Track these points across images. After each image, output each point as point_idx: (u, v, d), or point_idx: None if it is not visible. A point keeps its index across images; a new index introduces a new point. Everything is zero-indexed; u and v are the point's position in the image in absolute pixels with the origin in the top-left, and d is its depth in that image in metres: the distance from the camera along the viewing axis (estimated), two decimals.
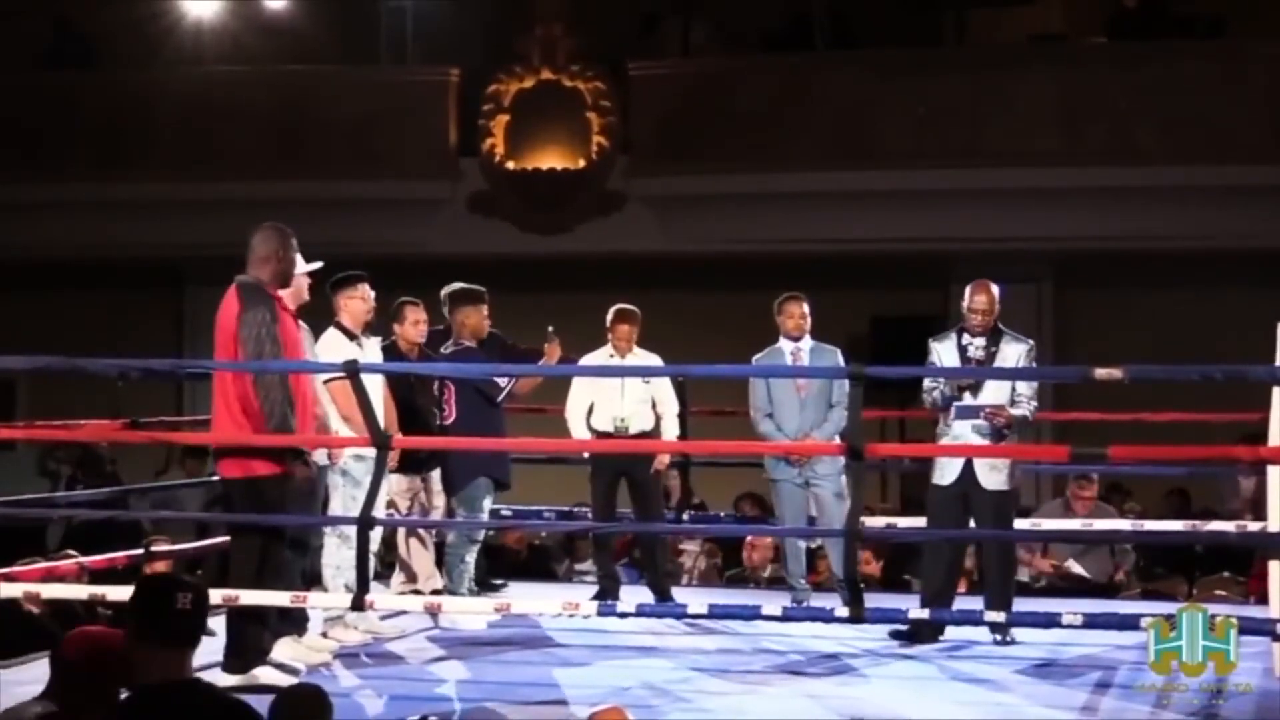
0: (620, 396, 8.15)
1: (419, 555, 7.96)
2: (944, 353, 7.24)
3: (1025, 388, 7.19)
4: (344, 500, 7.16)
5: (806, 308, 8.05)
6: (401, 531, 7.92)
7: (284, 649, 6.51)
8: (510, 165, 14.23)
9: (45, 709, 4.04)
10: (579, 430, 8.22)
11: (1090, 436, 10.33)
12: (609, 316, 8.24)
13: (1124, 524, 9.02)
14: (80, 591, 7.22)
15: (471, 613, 7.57)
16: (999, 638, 7.12)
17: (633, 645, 7.23)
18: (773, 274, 10.58)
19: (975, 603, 7.21)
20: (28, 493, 10.45)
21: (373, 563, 7.08)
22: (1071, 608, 6.47)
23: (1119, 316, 13.89)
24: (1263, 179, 12.78)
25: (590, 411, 8.20)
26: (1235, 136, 13.05)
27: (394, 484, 7.63)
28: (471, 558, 7.96)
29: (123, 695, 3.87)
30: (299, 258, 6.47)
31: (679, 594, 8.24)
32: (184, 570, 9.58)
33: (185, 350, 14.59)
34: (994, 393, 7.14)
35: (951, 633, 7.19)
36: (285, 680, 5.94)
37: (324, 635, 7.13)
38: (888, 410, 10.55)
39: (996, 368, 7.16)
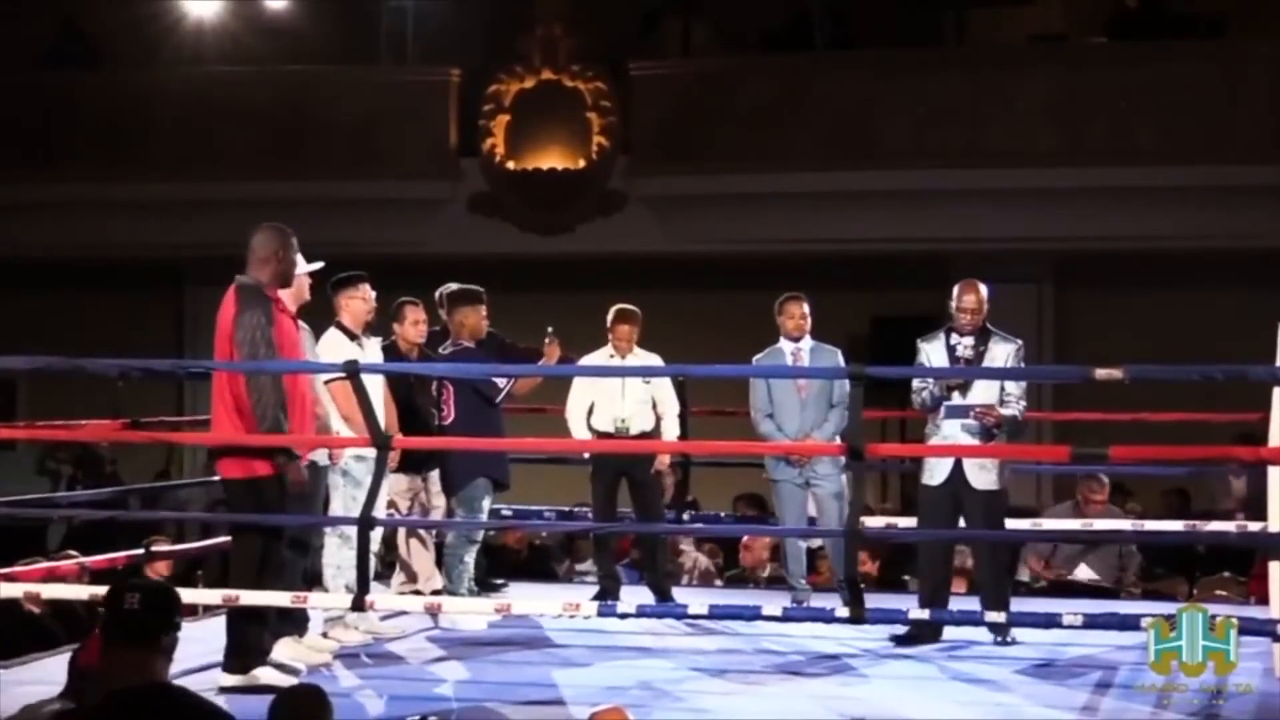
0: (621, 397, 8.14)
1: (419, 555, 7.96)
2: (932, 353, 7.25)
3: (1014, 387, 7.18)
4: (344, 500, 7.16)
5: (807, 308, 8.05)
6: (402, 532, 7.92)
7: (284, 649, 6.50)
8: (510, 165, 14.24)
9: (64, 706, 4.06)
10: (579, 430, 8.21)
11: (1090, 436, 10.34)
12: (609, 317, 8.23)
13: (1125, 524, 9.01)
14: (81, 592, 7.23)
15: (472, 613, 7.57)
16: (999, 638, 7.12)
17: (633, 645, 7.23)
18: (773, 274, 10.57)
19: (975, 603, 7.20)
20: (28, 493, 10.46)
21: (373, 563, 7.08)
22: (1071, 608, 6.47)
23: (1119, 316, 13.89)
24: (1263, 179, 12.79)
25: (591, 412, 8.20)
26: (1235, 136, 13.06)
27: (394, 484, 7.63)
28: (470, 558, 7.96)
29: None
30: (300, 258, 6.47)
31: (679, 594, 8.23)
32: (185, 570, 9.63)
33: (185, 350, 14.61)
34: (983, 392, 7.13)
35: (951, 633, 7.19)
36: (285, 680, 5.94)
37: (324, 635, 7.13)
38: (888, 410, 10.54)
39: (998, 368, 7.15)
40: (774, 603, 7.04)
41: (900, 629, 7.10)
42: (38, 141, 14.65)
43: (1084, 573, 9.20)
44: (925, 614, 6.79)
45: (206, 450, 11.91)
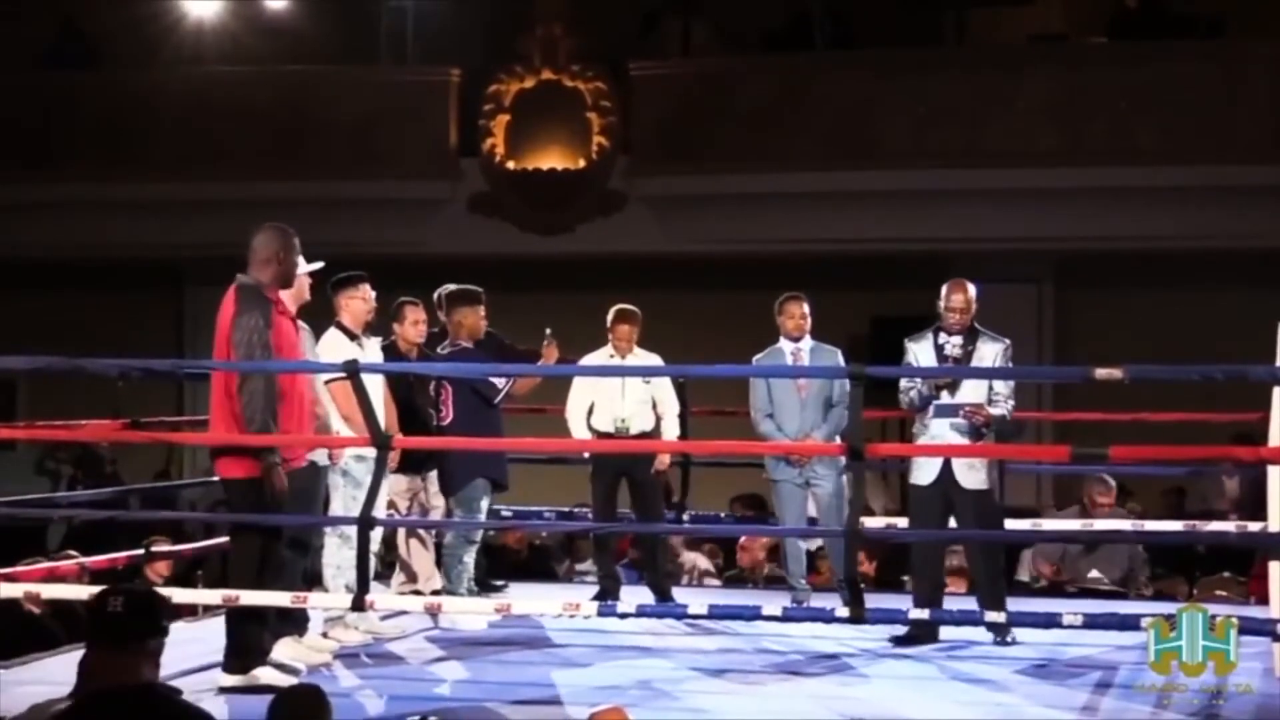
0: (621, 397, 8.14)
1: (419, 555, 7.96)
2: (920, 352, 7.25)
3: (1003, 387, 7.18)
4: (344, 500, 7.16)
5: (807, 308, 8.05)
6: (401, 532, 7.92)
7: (284, 649, 6.50)
8: (510, 165, 14.24)
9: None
10: (579, 430, 8.21)
11: (1090, 436, 10.34)
12: (609, 317, 8.23)
13: (1125, 524, 9.00)
14: (81, 592, 7.21)
15: (472, 613, 7.57)
16: (999, 638, 7.12)
17: (633, 645, 7.23)
18: (773, 274, 10.57)
19: (974, 603, 7.20)
20: (28, 493, 10.46)
21: (373, 563, 7.08)
22: (1071, 608, 6.46)
23: (1119, 316, 13.88)
24: (1263, 179, 12.79)
25: (591, 412, 8.20)
26: (1235, 136, 13.06)
27: (394, 484, 7.63)
28: (469, 558, 7.95)
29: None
30: (300, 259, 6.47)
31: (679, 594, 8.23)
32: (185, 570, 9.63)
33: (185, 350, 14.61)
34: (972, 391, 7.13)
35: (951, 633, 7.19)
36: (285, 680, 5.94)
37: (324, 635, 7.13)
38: (888, 410, 10.50)
39: (996, 368, 7.16)
40: (774, 603, 7.03)
41: (900, 629, 7.11)
42: (38, 141, 14.65)
43: (1094, 576, 9.18)
44: (925, 614, 6.79)
45: (207, 450, 11.98)
